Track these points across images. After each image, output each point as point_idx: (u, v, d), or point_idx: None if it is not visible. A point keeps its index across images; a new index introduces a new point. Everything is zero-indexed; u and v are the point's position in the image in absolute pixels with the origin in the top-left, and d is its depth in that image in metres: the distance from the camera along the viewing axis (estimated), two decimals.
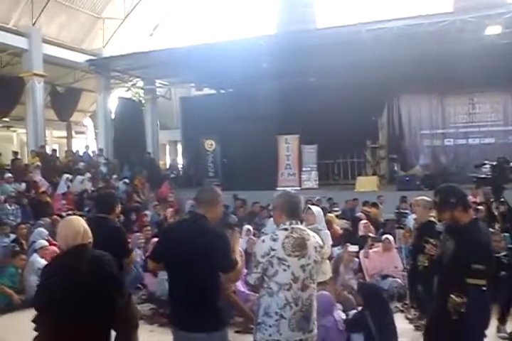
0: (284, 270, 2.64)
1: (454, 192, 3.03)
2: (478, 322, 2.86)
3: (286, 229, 2.74)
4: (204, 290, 2.72)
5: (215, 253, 2.69)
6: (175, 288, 2.86)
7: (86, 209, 10.98)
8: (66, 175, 12.67)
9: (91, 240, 2.55)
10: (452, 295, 2.79)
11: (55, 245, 7.72)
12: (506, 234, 5.99)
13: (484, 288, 2.75)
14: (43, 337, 2.49)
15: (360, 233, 7.64)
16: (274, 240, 2.70)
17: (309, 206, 4.93)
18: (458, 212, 2.97)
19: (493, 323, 5.02)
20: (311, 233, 2.83)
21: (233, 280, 2.97)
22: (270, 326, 2.63)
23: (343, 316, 4.92)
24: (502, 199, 5.18)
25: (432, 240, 3.31)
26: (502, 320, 4.86)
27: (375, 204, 10.46)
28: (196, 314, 2.69)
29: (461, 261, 2.84)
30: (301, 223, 2.98)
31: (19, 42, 14.96)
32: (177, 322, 2.82)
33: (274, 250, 2.66)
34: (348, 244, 6.20)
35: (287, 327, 2.61)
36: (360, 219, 8.54)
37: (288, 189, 3.36)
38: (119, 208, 3.99)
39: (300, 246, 2.68)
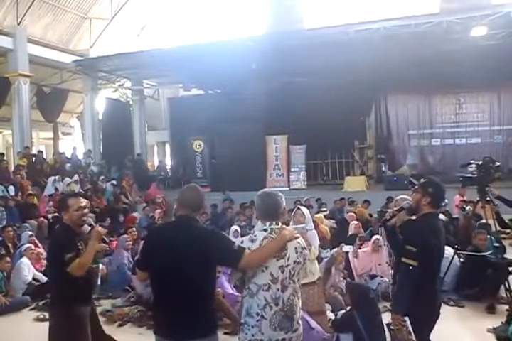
0: (262, 271, 2.64)
1: (437, 187, 3.24)
2: (401, 294, 3.08)
3: (265, 230, 2.75)
4: (199, 296, 2.62)
5: (212, 250, 2.56)
6: (163, 295, 2.70)
7: None
8: (53, 177, 12.54)
9: None
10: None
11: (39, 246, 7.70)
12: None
13: (411, 267, 3.00)
14: None
15: (350, 233, 7.67)
16: (253, 241, 2.72)
17: (298, 206, 4.91)
18: (425, 200, 3.19)
19: (477, 320, 5.12)
20: None
21: (248, 266, 2.62)
22: (252, 326, 2.64)
23: (332, 316, 4.94)
24: (488, 199, 5.23)
25: (394, 210, 3.53)
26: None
27: (366, 202, 10.53)
28: (194, 321, 2.59)
29: (403, 244, 3.16)
30: (287, 223, 2.97)
31: (4, 42, 14.80)
32: (170, 332, 2.64)
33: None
34: (342, 244, 6.22)
35: (268, 327, 2.62)
36: (347, 221, 8.57)
37: (274, 189, 3.29)
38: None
39: None
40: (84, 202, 3.53)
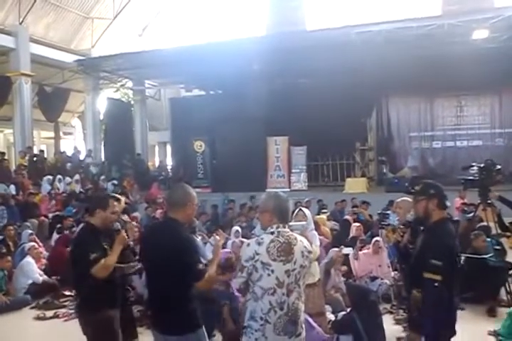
0: (268, 275, 2.61)
1: (436, 187, 3.13)
2: (431, 315, 2.92)
3: (272, 233, 2.70)
4: (175, 294, 2.79)
5: (182, 263, 2.73)
6: (150, 291, 2.98)
7: (73, 210, 10.87)
8: (47, 177, 12.55)
9: None
10: (414, 291, 2.96)
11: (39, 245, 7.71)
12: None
13: (436, 284, 2.85)
14: None
15: (352, 235, 7.67)
16: (259, 244, 2.66)
17: (301, 208, 4.90)
18: (433, 205, 3.04)
19: (478, 323, 5.12)
20: (299, 237, 2.78)
21: (204, 288, 2.89)
22: (256, 330, 2.62)
23: (332, 318, 4.93)
24: (489, 201, 5.24)
25: (401, 227, 3.43)
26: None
27: (365, 203, 10.52)
28: (169, 317, 2.80)
29: (423, 258, 2.97)
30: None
31: (6, 41, 14.85)
32: (154, 324, 2.94)
33: (258, 254, 2.62)
34: (342, 247, 6.23)
35: (272, 331, 2.61)
36: (350, 222, 8.57)
37: (277, 191, 3.28)
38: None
39: (285, 250, 2.65)
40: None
